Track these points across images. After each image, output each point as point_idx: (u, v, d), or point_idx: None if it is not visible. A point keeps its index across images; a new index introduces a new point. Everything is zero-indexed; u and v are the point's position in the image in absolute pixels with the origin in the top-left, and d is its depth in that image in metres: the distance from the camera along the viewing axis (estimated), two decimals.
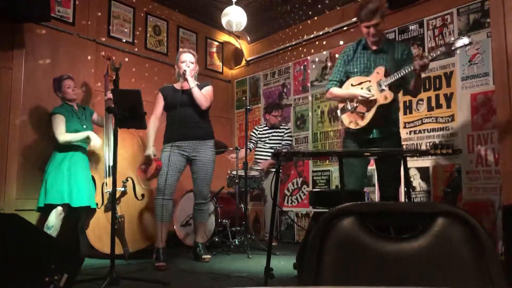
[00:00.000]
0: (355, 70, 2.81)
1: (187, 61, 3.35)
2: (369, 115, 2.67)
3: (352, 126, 2.76)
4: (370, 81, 2.70)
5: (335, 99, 2.99)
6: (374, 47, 2.77)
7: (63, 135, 3.37)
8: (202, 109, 3.32)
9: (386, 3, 2.65)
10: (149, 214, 3.58)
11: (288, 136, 4.73)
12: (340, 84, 2.87)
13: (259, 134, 4.80)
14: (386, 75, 2.63)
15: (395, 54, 2.73)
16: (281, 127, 4.76)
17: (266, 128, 4.79)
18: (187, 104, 3.30)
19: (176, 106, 3.30)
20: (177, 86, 3.45)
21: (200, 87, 3.36)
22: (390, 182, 2.74)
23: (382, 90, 2.63)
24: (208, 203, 3.50)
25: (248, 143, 4.56)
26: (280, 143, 4.65)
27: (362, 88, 2.71)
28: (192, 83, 3.27)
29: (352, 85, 2.79)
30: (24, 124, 3.75)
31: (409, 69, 2.53)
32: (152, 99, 3.60)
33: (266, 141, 4.72)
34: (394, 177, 2.73)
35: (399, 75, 2.56)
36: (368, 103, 2.68)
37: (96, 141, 3.46)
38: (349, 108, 2.78)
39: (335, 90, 2.86)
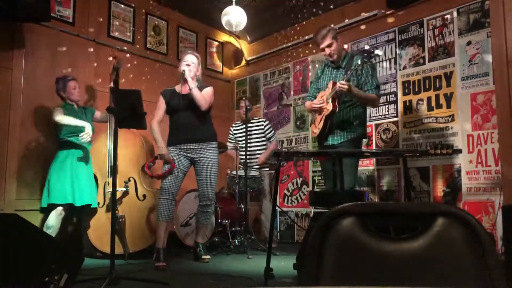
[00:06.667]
0: (321, 86, 3.19)
1: (188, 61, 3.34)
2: (320, 125, 3.03)
3: (313, 134, 3.18)
4: (325, 95, 3.02)
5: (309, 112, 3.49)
6: (333, 65, 3.18)
7: (60, 117, 3.37)
8: (202, 110, 3.31)
9: (333, 32, 3.10)
10: (150, 214, 3.58)
11: (268, 126, 4.59)
12: (314, 98, 3.20)
13: (235, 131, 4.70)
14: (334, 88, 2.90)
15: (352, 69, 2.93)
16: (253, 120, 4.61)
17: (240, 123, 4.66)
18: (187, 107, 3.30)
19: (178, 110, 3.31)
20: (177, 88, 3.43)
21: (200, 88, 3.35)
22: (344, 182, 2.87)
23: (328, 103, 2.93)
24: (212, 205, 3.52)
25: (228, 144, 4.53)
26: (262, 134, 4.53)
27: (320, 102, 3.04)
28: (191, 84, 3.25)
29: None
30: (24, 124, 3.75)
31: (336, 91, 2.83)
32: (152, 99, 3.60)
33: (250, 137, 4.47)
34: (347, 177, 2.87)
35: (333, 92, 2.86)
36: (320, 114, 3.03)
37: (86, 136, 3.38)
38: (313, 119, 3.19)
39: (306, 104, 3.30)
